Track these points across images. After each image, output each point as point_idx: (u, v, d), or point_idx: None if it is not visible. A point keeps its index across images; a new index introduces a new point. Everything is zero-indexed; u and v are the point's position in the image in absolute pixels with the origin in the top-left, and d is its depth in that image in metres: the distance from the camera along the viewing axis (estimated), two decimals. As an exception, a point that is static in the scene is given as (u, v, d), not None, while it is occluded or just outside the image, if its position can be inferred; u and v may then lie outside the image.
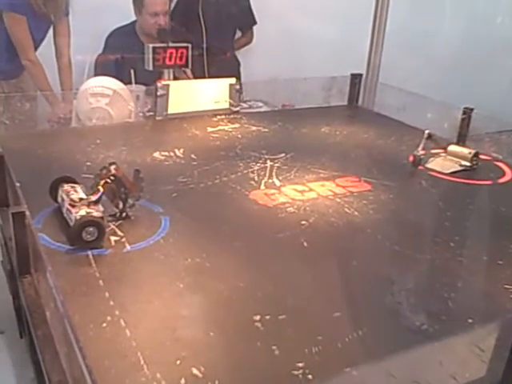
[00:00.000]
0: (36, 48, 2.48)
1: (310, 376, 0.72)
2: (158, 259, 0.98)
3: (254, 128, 1.78)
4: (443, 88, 2.59)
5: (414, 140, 1.59)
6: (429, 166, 1.51)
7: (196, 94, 1.89)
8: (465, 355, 0.84)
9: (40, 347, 0.90)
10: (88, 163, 1.38)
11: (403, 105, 2.04)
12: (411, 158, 1.53)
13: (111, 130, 1.72)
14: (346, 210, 1.22)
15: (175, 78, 1.94)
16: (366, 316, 0.88)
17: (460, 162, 1.52)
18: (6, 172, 1.28)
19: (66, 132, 1.80)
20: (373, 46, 2.22)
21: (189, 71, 2.27)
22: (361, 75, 2.17)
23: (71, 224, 1.02)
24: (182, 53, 1.84)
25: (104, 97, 1.73)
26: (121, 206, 1.11)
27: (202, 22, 2.92)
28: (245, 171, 1.41)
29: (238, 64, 3.14)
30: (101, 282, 0.90)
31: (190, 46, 1.86)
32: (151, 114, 1.84)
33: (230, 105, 1.93)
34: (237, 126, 1.80)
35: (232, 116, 1.90)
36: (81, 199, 1.05)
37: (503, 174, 1.51)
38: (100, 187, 1.07)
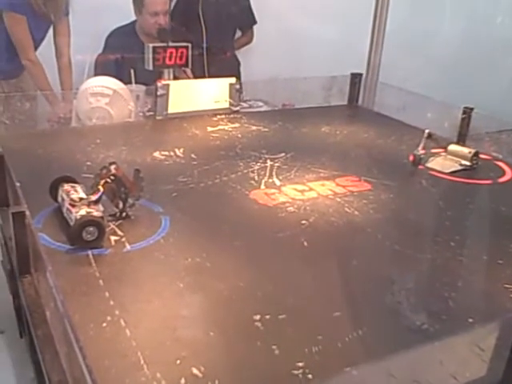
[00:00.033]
0: (36, 48, 2.48)
1: (309, 376, 0.72)
2: (158, 259, 0.98)
3: (254, 128, 1.78)
4: (443, 88, 2.59)
5: (414, 139, 1.59)
6: (429, 165, 1.51)
7: (196, 94, 1.89)
8: (465, 355, 0.84)
9: (40, 347, 0.90)
10: (88, 163, 1.38)
11: (403, 104, 2.04)
12: (411, 158, 1.53)
13: (111, 130, 1.72)
14: (346, 209, 1.22)
15: (175, 78, 1.93)
16: (366, 315, 0.87)
17: (460, 162, 1.52)
18: (6, 172, 1.28)
19: (66, 132, 1.80)
20: (373, 45, 2.22)
21: (189, 71, 2.27)
22: (361, 75, 2.17)
23: (71, 224, 1.02)
24: (181, 52, 1.84)
25: (104, 96, 1.73)
26: (121, 205, 1.11)
27: (202, 21, 2.92)
28: (245, 171, 1.41)
29: (238, 64, 3.14)
30: (101, 281, 0.90)
31: (190, 45, 1.86)
32: (151, 113, 1.84)
33: (230, 104, 1.93)
34: (237, 125, 1.80)
35: (232, 116, 1.90)
36: (81, 199, 1.05)
37: (503, 173, 1.51)
38: (100, 187, 1.07)
